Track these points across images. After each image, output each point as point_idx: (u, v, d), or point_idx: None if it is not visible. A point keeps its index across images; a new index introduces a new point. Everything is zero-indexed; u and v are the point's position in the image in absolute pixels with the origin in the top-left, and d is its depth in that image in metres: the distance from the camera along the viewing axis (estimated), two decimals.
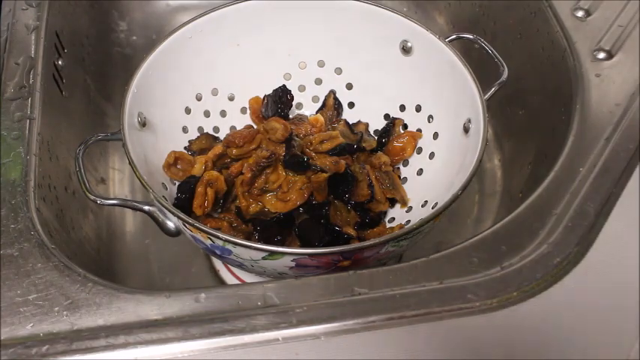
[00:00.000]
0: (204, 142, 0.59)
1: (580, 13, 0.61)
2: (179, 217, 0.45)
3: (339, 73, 0.63)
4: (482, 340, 0.40)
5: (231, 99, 0.62)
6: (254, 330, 0.40)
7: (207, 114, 0.61)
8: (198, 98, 0.60)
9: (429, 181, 0.57)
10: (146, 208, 0.48)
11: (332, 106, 0.63)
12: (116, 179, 0.69)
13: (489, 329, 0.40)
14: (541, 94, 0.63)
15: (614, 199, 0.47)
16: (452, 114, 0.54)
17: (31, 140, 0.52)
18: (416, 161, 0.59)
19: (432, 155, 0.57)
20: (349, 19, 0.59)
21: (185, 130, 0.59)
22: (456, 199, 0.45)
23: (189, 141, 0.59)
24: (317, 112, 0.63)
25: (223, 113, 0.62)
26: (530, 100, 0.65)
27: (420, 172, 0.58)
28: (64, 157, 0.57)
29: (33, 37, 0.59)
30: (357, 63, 0.62)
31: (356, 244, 0.44)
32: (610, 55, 0.58)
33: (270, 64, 0.62)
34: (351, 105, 0.64)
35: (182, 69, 0.57)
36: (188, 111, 0.59)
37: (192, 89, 0.59)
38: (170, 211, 0.45)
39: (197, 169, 0.56)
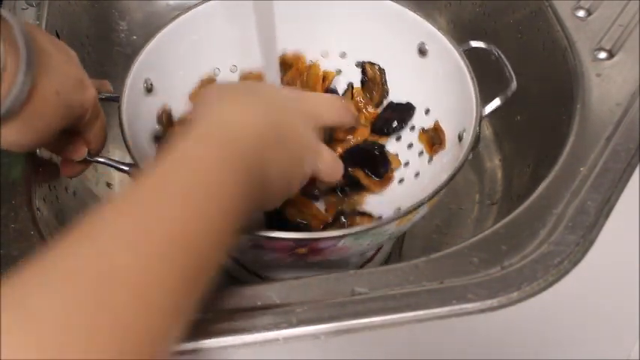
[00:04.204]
0: None
1: (581, 13, 0.61)
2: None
3: (359, 67, 0.62)
4: (483, 340, 0.40)
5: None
6: (254, 330, 0.40)
7: None
8: (216, 74, 0.59)
9: (425, 185, 0.56)
10: (126, 168, 0.48)
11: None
12: (122, 181, 0.69)
13: (489, 329, 0.40)
14: (541, 94, 0.62)
15: (615, 198, 0.47)
16: (453, 121, 0.54)
17: None
18: (415, 163, 0.59)
19: (430, 160, 0.57)
20: (373, 16, 0.58)
21: None
22: (421, 204, 0.44)
23: None
24: None
25: None
26: (531, 99, 0.64)
27: (417, 174, 0.58)
28: None
29: None
30: (377, 59, 0.61)
31: (311, 234, 0.44)
32: (611, 55, 0.58)
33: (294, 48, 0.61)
34: None
35: (201, 42, 0.56)
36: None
37: (210, 64, 0.58)
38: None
39: None
